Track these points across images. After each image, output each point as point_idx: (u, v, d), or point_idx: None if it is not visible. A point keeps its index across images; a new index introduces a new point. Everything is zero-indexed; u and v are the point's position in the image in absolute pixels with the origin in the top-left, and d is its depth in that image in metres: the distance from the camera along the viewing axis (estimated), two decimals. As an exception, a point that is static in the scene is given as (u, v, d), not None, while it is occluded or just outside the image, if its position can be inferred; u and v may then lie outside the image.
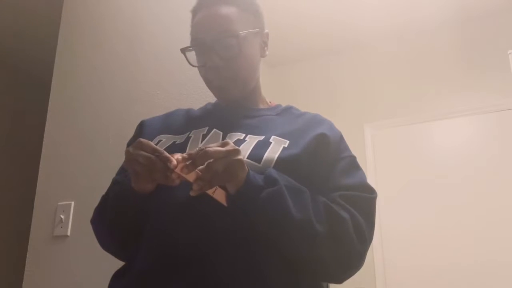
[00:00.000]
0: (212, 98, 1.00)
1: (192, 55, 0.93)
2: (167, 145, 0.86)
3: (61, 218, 1.57)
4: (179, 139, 0.88)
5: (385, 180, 2.94)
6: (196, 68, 0.94)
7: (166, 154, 0.68)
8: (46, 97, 1.86)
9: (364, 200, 0.82)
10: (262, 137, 0.84)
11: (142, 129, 0.96)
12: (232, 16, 0.89)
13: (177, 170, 0.67)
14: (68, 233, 1.55)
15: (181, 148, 0.84)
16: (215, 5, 0.90)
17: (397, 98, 3.07)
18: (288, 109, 0.98)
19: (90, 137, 1.66)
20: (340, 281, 0.80)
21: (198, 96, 1.45)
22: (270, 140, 0.83)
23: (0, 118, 3.32)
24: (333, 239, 0.74)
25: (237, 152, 0.69)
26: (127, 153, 0.72)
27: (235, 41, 0.87)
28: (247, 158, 0.78)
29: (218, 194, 0.71)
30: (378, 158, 3.00)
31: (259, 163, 0.78)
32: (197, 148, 0.68)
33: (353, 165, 0.89)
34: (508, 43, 2.65)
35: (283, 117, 0.94)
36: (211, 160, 0.67)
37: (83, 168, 1.61)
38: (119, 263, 0.86)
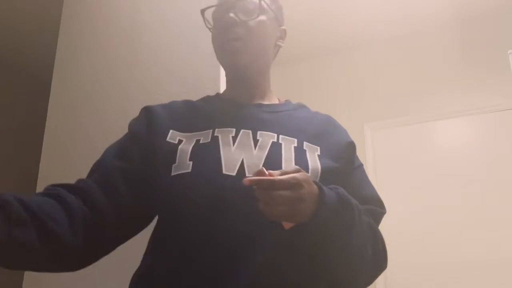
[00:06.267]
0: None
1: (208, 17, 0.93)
2: (192, 145, 0.80)
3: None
4: (202, 137, 0.81)
5: (385, 180, 2.94)
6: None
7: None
8: (46, 97, 1.86)
9: (380, 216, 0.86)
10: (295, 140, 0.82)
11: (152, 118, 0.87)
12: None
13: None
14: (68, 233, 1.55)
15: (211, 148, 0.78)
16: None
17: (397, 98, 3.07)
18: (302, 107, 0.97)
19: (90, 137, 1.66)
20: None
21: (198, 96, 1.45)
22: (304, 148, 0.82)
23: (0, 118, 3.32)
24: (374, 260, 0.77)
25: (301, 195, 0.63)
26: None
27: (256, 5, 0.88)
28: None
29: None
30: (378, 158, 3.00)
31: (307, 172, 0.76)
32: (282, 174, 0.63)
33: (366, 175, 0.91)
34: (508, 43, 2.65)
35: (301, 113, 0.93)
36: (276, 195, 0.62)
37: (83, 168, 1.61)
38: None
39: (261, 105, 0.91)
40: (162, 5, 1.68)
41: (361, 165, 0.91)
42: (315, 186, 0.67)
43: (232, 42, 0.86)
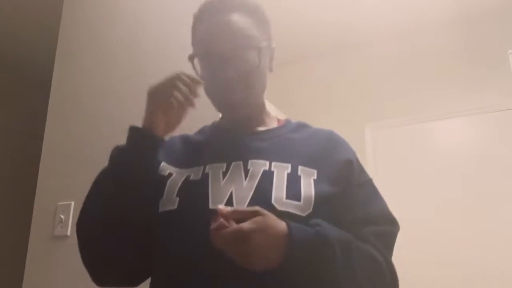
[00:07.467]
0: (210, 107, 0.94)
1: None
2: (181, 181, 0.77)
3: (61, 218, 1.57)
4: (193, 173, 0.78)
5: (385, 180, 2.94)
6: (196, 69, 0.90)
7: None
8: (46, 97, 1.86)
9: (391, 236, 0.81)
10: (288, 166, 0.77)
11: None
12: (250, 26, 0.82)
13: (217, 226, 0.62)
14: (68, 233, 1.55)
15: (200, 184, 0.76)
16: (227, 13, 0.81)
17: (397, 98, 3.07)
18: (302, 126, 0.91)
19: (90, 137, 1.66)
20: None
21: (199, 97, 1.45)
22: (299, 173, 0.77)
23: (0, 118, 3.32)
24: None
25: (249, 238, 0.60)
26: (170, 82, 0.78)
27: (255, 53, 0.81)
28: (286, 198, 0.72)
29: None
30: (378, 158, 3.00)
31: (299, 200, 0.72)
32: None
33: (375, 191, 0.85)
34: (508, 43, 2.65)
35: (299, 134, 0.87)
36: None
37: (83, 168, 1.61)
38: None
39: (257, 133, 0.87)
40: (162, 5, 1.69)
41: (368, 181, 0.85)
42: (281, 228, 0.64)
43: (232, 97, 0.80)
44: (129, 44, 1.71)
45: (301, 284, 0.65)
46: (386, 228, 0.80)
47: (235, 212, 0.62)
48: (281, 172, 0.76)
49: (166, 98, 0.78)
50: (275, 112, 1.03)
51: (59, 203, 1.61)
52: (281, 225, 0.65)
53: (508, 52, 2.32)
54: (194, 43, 0.88)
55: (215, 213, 0.62)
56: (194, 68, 0.85)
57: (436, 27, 3.02)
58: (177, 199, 0.75)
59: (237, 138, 0.85)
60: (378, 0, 2.76)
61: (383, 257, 0.75)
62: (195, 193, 0.75)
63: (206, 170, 0.78)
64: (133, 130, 0.79)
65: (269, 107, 0.99)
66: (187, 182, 0.77)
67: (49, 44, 2.15)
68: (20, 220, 2.48)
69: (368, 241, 0.75)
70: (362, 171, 0.86)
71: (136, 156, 0.77)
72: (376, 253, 0.74)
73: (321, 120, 3.47)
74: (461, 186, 2.72)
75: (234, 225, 0.61)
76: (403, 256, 2.74)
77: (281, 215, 0.67)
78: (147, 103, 0.80)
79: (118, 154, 0.80)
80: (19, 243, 2.09)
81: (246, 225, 0.61)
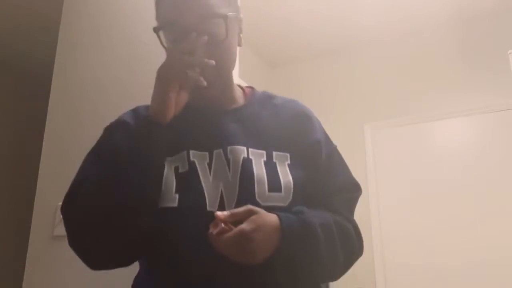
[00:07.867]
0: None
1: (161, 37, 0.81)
2: (174, 174, 0.77)
3: (61, 218, 1.57)
4: (180, 165, 0.78)
5: (385, 180, 2.94)
6: None
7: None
8: (46, 97, 1.86)
9: (355, 201, 0.89)
10: (263, 154, 0.80)
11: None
12: None
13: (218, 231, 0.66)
14: (68, 233, 1.55)
15: (192, 179, 0.76)
16: None
17: (397, 98, 3.07)
18: (269, 98, 0.91)
19: (90, 136, 1.66)
20: (338, 279, 0.84)
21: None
22: (274, 160, 0.80)
23: (0, 118, 3.32)
24: (346, 257, 0.80)
25: (251, 239, 0.66)
26: (181, 61, 0.71)
27: (222, 23, 0.77)
28: (268, 191, 0.76)
29: None
30: (378, 158, 3.00)
31: (280, 191, 0.76)
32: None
33: (340, 158, 0.91)
34: (508, 43, 2.65)
35: (268, 110, 0.88)
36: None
37: (83, 168, 1.61)
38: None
39: (228, 112, 0.85)
40: None
41: (333, 149, 0.90)
42: (274, 222, 0.70)
43: (197, 74, 0.74)
44: (130, 41, 1.71)
45: (291, 270, 0.72)
46: (352, 195, 0.89)
47: (232, 215, 0.67)
48: (258, 160, 0.79)
49: (181, 78, 0.72)
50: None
51: (59, 203, 1.60)
52: (273, 219, 0.70)
53: (508, 52, 2.32)
54: (158, 15, 0.83)
55: (214, 218, 0.66)
56: (160, 40, 0.80)
57: (436, 27, 3.02)
58: (177, 196, 0.75)
59: (210, 118, 0.83)
60: (378, 1, 2.76)
61: (351, 224, 0.83)
62: (191, 188, 0.76)
63: (191, 158, 0.78)
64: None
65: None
66: (179, 176, 0.77)
67: (50, 43, 2.15)
68: (20, 220, 2.48)
69: (337, 211, 0.82)
70: (328, 141, 0.90)
71: (140, 145, 0.74)
72: (346, 222, 0.82)
73: (321, 119, 3.47)
74: (461, 186, 2.72)
75: (234, 228, 0.65)
76: (403, 254, 2.75)
77: (266, 209, 0.71)
78: (158, 84, 0.73)
79: (123, 139, 0.80)
80: (19, 243, 2.09)
81: (246, 226, 0.65)
